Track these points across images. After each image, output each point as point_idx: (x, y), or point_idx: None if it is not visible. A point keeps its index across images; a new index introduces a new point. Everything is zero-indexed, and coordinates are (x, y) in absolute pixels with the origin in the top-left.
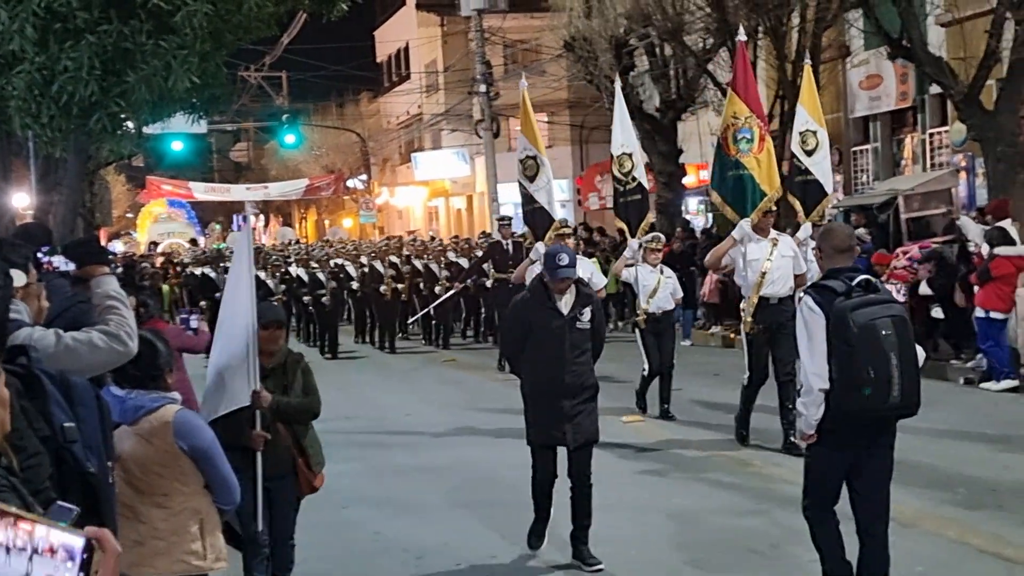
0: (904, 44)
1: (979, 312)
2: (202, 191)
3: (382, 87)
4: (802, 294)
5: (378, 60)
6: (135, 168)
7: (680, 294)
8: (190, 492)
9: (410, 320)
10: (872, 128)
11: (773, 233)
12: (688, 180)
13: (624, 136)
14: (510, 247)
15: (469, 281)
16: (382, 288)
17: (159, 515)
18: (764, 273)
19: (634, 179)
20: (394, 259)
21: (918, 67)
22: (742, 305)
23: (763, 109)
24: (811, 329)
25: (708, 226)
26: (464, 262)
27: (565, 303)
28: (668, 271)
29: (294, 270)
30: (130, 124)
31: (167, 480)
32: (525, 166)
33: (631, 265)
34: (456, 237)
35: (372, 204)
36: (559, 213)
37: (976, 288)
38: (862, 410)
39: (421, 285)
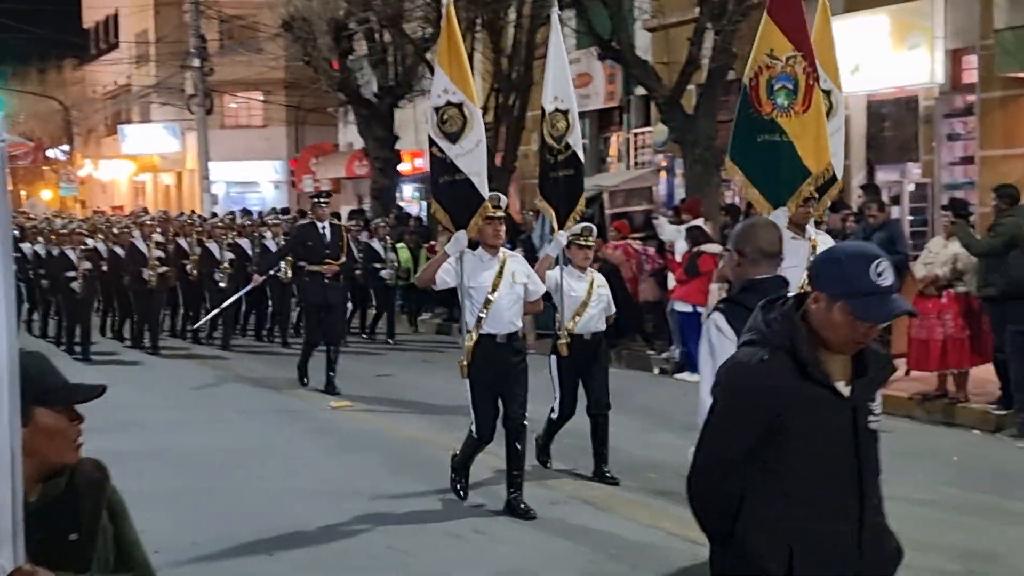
0: (613, 46)
1: (680, 306)
2: None
3: (89, 54)
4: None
5: (85, 26)
6: None
7: (614, 310)
8: None
9: (199, 323)
10: (581, 125)
11: (811, 231)
12: (403, 167)
13: (558, 87)
14: (327, 232)
15: (272, 272)
16: (146, 274)
17: None
18: (802, 288)
19: (568, 147)
20: (158, 238)
21: (625, 69)
22: None
23: (813, 48)
24: None
25: (418, 213)
26: (246, 243)
27: (840, 373)
28: (600, 279)
29: (27, 246)
30: None
31: None
32: (444, 117)
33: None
34: (233, 213)
35: (74, 176)
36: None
37: (674, 283)
38: None
39: (188, 268)
